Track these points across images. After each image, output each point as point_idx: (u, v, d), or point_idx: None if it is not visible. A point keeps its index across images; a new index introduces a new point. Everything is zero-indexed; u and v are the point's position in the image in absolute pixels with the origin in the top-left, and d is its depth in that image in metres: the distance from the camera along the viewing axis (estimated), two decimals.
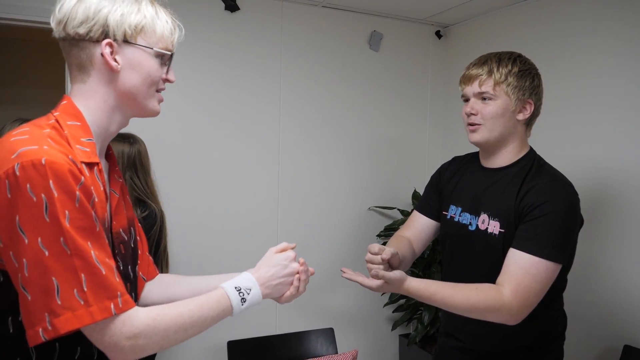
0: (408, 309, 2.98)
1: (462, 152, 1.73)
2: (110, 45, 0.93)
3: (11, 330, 0.86)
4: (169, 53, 1.00)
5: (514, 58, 1.44)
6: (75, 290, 0.79)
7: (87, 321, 0.80)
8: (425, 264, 2.89)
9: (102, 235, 0.86)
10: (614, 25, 2.18)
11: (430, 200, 1.67)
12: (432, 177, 1.72)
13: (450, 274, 1.56)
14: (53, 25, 0.95)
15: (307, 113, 2.91)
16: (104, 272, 0.82)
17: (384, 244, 3.07)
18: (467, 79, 1.48)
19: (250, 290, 1.01)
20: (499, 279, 1.33)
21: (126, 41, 0.94)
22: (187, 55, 2.59)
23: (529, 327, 1.42)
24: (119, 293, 0.83)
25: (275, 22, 2.79)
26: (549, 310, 1.47)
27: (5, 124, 2.40)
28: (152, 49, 0.97)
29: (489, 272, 1.38)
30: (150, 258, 1.23)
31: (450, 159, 1.74)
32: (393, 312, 3.09)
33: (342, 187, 3.03)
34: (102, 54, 0.93)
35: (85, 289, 0.79)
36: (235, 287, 1.00)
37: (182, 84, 2.59)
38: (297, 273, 1.11)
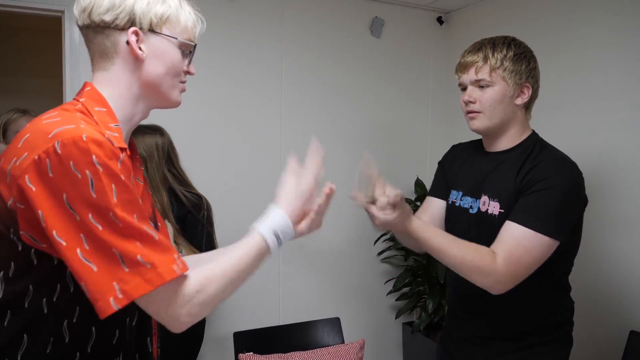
0: (412, 297, 2.98)
1: (464, 139, 1.72)
2: (137, 33, 0.93)
3: (45, 311, 0.87)
4: (193, 44, 1.01)
5: (508, 42, 1.43)
6: (138, 256, 0.80)
7: (158, 282, 0.81)
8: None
9: (144, 209, 0.87)
10: (618, 12, 2.15)
11: (440, 184, 1.68)
12: (438, 164, 1.72)
13: None
14: (76, 12, 0.95)
15: (308, 101, 2.88)
16: (157, 238, 0.83)
17: (388, 232, 3.05)
18: (463, 67, 1.47)
19: (285, 230, 1.01)
20: (493, 247, 1.32)
21: (152, 30, 0.95)
22: None
23: (537, 312, 1.43)
24: (175, 255, 0.85)
25: (275, 9, 2.76)
26: (556, 294, 1.47)
27: (1, 114, 2.39)
28: (176, 39, 0.97)
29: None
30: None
31: (452, 144, 1.74)
32: (396, 300, 3.09)
33: (344, 177, 3.00)
34: (127, 42, 0.93)
35: (147, 253, 0.81)
36: (274, 232, 0.99)
37: None
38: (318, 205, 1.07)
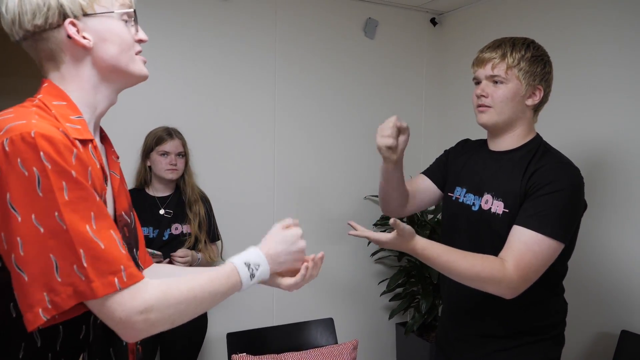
0: (405, 297, 2.98)
1: (457, 139, 1.74)
2: (73, 24, 0.88)
3: (14, 315, 0.83)
4: (131, 10, 0.95)
5: (528, 44, 1.46)
6: (75, 266, 0.76)
7: (90, 296, 0.76)
8: None
9: (102, 206, 0.82)
10: (610, 13, 2.17)
11: (438, 168, 1.71)
12: (444, 152, 1.74)
13: None
14: (7, 29, 0.90)
15: (302, 101, 2.88)
16: (102, 247, 0.78)
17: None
18: (480, 62, 1.49)
19: (259, 266, 0.99)
20: (502, 254, 1.34)
21: (86, 14, 0.89)
22: (180, 44, 2.54)
23: (532, 312, 1.45)
24: (122, 267, 0.79)
25: (269, 9, 2.75)
26: (551, 295, 1.49)
27: None
28: (113, 12, 0.92)
29: (489, 252, 1.38)
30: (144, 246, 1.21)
31: (446, 146, 1.76)
32: (390, 300, 3.09)
33: (337, 176, 3.02)
34: (68, 36, 0.88)
35: (85, 265, 0.76)
36: (245, 263, 0.97)
37: (175, 73, 2.56)
38: (305, 260, 1.08)
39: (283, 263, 1.05)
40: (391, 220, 1.26)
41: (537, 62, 1.44)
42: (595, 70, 2.24)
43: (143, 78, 0.98)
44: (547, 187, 1.35)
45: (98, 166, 0.88)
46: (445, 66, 3.18)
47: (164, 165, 2.27)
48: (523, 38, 1.48)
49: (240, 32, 2.69)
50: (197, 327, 2.36)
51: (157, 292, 0.83)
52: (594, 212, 2.16)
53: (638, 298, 2.08)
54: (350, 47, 2.98)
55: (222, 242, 2.46)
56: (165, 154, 2.27)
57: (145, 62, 0.98)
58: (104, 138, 1.03)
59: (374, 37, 3.02)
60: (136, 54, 0.96)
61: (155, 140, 2.28)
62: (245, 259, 0.98)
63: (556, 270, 1.42)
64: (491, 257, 1.33)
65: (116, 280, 0.78)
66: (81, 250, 0.76)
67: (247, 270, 0.97)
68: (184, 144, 2.34)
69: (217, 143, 2.68)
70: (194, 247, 2.25)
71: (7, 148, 0.75)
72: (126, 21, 0.94)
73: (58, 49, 0.90)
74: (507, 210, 1.41)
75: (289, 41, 2.81)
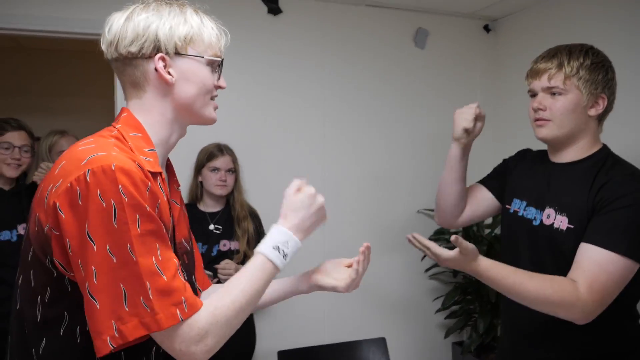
0: (461, 315, 2.87)
1: (514, 151, 1.66)
2: (163, 59, 0.94)
3: (78, 340, 0.87)
4: (219, 59, 1.01)
5: (586, 50, 1.37)
6: (141, 298, 0.79)
7: (155, 328, 0.80)
8: None
9: (167, 238, 0.86)
10: None
11: (496, 178, 1.65)
12: (503, 161, 1.68)
13: None
14: (104, 47, 0.96)
15: (351, 114, 2.86)
16: (165, 279, 0.81)
17: None
18: (535, 73, 1.42)
19: (287, 243, 0.99)
20: (572, 274, 1.25)
21: (177, 53, 0.95)
22: (230, 59, 2.55)
23: (600, 338, 1.34)
24: (183, 298, 0.83)
25: (318, 22, 2.76)
26: (621, 321, 1.37)
27: (42, 138, 2.51)
28: (203, 57, 0.98)
29: (553, 270, 1.30)
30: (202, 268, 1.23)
31: (500, 160, 1.69)
32: (445, 318, 2.98)
33: (389, 190, 2.96)
34: (155, 69, 0.94)
35: (151, 297, 0.79)
36: (273, 247, 0.97)
37: (227, 89, 2.58)
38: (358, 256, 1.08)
39: (310, 227, 1.04)
40: (452, 238, 1.18)
41: (597, 69, 1.35)
42: None
43: (211, 122, 1.04)
44: (619, 202, 1.26)
45: (165, 198, 0.92)
46: (500, 74, 3.07)
47: (214, 181, 2.29)
48: (580, 44, 1.39)
49: (290, 47, 2.71)
50: (245, 342, 2.35)
51: (208, 315, 0.85)
52: None
53: None
54: (400, 58, 2.93)
55: None
56: (215, 169, 2.30)
57: (216, 108, 1.05)
58: (168, 167, 1.08)
59: (424, 47, 2.96)
60: (212, 98, 1.02)
61: (207, 156, 2.32)
62: (272, 243, 0.97)
63: (629, 292, 1.31)
64: (561, 279, 1.25)
65: (178, 311, 0.82)
66: (147, 283, 0.80)
67: (277, 253, 0.97)
68: (234, 160, 2.37)
69: (267, 159, 2.70)
70: (242, 264, 2.25)
71: (88, 179, 0.79)
72: (212, 67, 1.00)
73: (143, 78, 0.95)
74: (571, 226, 1.32)
75: (338, 54, 2.81)
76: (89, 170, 0.80)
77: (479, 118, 1.56)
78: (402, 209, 2.97)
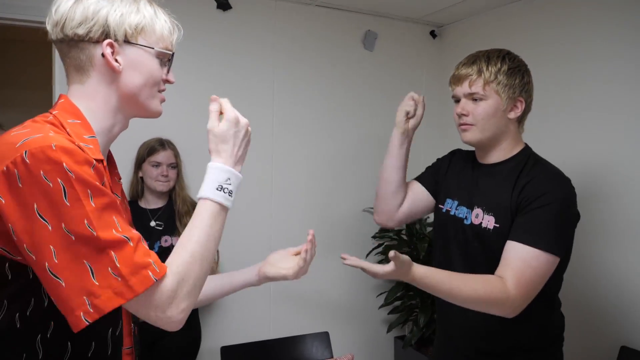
0: (403, 310, 2.95)
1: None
2: (112, 45, 0.92)
3: (18, 326, 0.85)
4: (170, 53, 1.00)
5: (503, 56, 1.43)
6: (109, 269, 0.78)
7: (130, 295, 0.79)
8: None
9: (121, 210, 0.85)
10: (611, 27, 2.17)
11: (431, 175, 1.69)
12: (436, 160, 1.73)
13: (443, 269, 1.54)
14: (49, 27, 0.93)
15: (300, 113, 2.88)
16: (131, 244, 0.81)
17: (379, 246, 3.05)
18: (456, 80, 1.47)
19: (229, 179, 0.97)
20: (499, 271, 1.31)
21: (127, 41, 0.93)
22: (177, 54, 2.54)
23: (527, 328, 1.42)
24: (151, 261, 0.82)
25: (267, 21, 2.76)
26: (546, 311, 1.46)
27: None
28: (153, 48, 0.96)
29: (483, 267, 1.36)
30: None
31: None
32: (388, 314, 3.06)
33: (335, 189, 3.00)
34: (103, 55, 0.92)
35: (119, 265, 0.78)
36: (217, 188, 0.95)
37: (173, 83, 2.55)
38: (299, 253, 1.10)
39: (243, 154, 1.02)
40: (391, 253, 1.18)
41: (514, 74, 1.41)
42: (593, 84, 2.23)
43: (156, 115, 1.03)
44: (539, 200, 1.32)
45: (107, 184, 0.90)
46: (445, 79, 3.10)
47: (155, 176, 2.25)
48: (498, 50, 1.45)
49: (237, 44, 2.70)
50: (190, 339, 2.33)
51: (173, 275, 0.85)
52: (591, 225, 2.15)
53: (637, 313, 2.04)
54: (349, 59, 2.98)
55: (218, 253, 2.44)
56: (157, 164, 2.26)
57: (163, 101, 1.03)
58: (109, 159, 1.06)
59: (373, 50, 3.02)
60: (159, 91, 1.01)
61: (148, 150, 2.27)
62: (214, 184, 0.95)
63: (551, 284, 1.39)
64: (492, 278, 1.30)
65: (150, 273, 0.81)
66: (112, 253, 0.78)
67: (222, 193, 0.95)
68: (176, 155, 2.33)
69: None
70: None
71: (27, 160, 0.77)
72: (161, 60, 0.98)
73: (88, 62, 0.92)
74: (498, 225, 1.39)
75: (287, 53, 2.81)
76: (26, 151, 0.77)
77: (419, 104, 1.63)
78: (348, 208, 3.02)
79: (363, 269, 1.25)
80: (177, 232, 2.26)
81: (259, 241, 2.76)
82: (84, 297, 0.77)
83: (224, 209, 0.95)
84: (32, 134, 0.80)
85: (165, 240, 2.24)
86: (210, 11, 2.62)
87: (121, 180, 1.09)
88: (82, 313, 0.77)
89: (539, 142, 1.65)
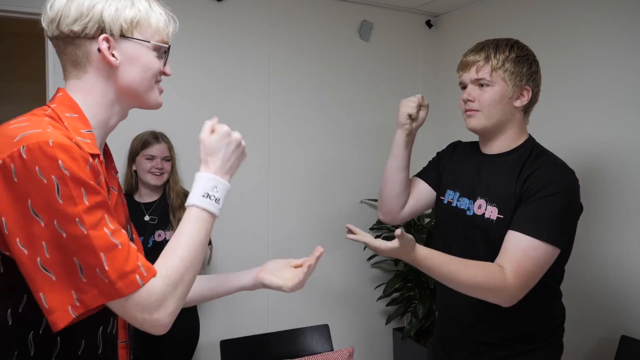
0: (402, 302, 2.95)
1: (453, 139, 1.72)
2: (107, 40, 0.92)
3: (10, 323, 0.85)
4: (166, 45, 1.00)
5: (512, 44, 1.43)
6: (97, 270, 0.78)
7: (116, 296, 0.80)
8: None
9: (112, 209, 0.86)
10: (607, 16, 2.16)
11: (432, 170, 1.68)
12: (437, 154, 1.72)
13: None
14: (44, 24, 0.93)
15: (296, 104, 2.86)
16: (120, 247, 0.81)
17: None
18: (464, 66, 1.47)
19: (216, 187, 0.98)
20: (499, 260, 1.31)
21: (123, 36, 0.93)
22: (172, 46, 2.52)
23: (528, 319, 1.41)
24: (139, 264, 0.83)
25: (263, 11, 2.73)
26: (548, 301, 1.46)
27: None
28: (149, 42, 0.96)
29: (484, 258, 1.35)
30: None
31: (442, 146, 1.73)
32: (387, 305, 3.06)
33: (333, 180, 2.99)
34: (99, 50, 0.92)
35: (107, 268, 0.79)
36: (203, 195, 0.95)
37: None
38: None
39: (232, 166, 1.03)
40: (397, 231, 1.17)
41: (522, 62, 1.41)
42: (591, 73, 2.22)
43: (156, 106, 1.03)
44: (542, 191, 1.32)
45: (103, 180, 0.90)
46: (441, 68, 3.16)
47: (149, 169, 2.23)
48: (507, 39, 1.45)
49: (233, 34, 2.67)
50: (189, 334, 2.32)
51: (162, 279, 0.85)
52: (592, 216, 2.14)
53: (638, 302, 2.05)
54: (345, 49, 2.96)
55: (211, 247, 2.42)
56: (151, 157, 2.23)
57: (162, 92, 1.03)
58: (106, 152, 1.05)
59: (369, 40, 3.00)
60: (156, 82, 1.01)
61: (142, 143, 2.25)
62: (201, 192, 0.96)
63: (553, 275, 1.40)
64: (491, 266, 1.30)
65: (137, 277, 0.81)
66: (102, 254, 0.79)
67: (209, 200, 0.95)
68: (170, 148, 2.30)
69: None
70: None
71: (24, 155, 0.77)
72: (158, 53, 0.99)
73: (85, 58, 0.93)
74: (501, 216, 1.38)
75: (283, 43, 2.79)
76: (23, 147, 0.77)
77: (422, 107, 1.61)
78: (346, 199, 3.01)
79: (366, 244, 1.25)
80: (170, 227, 2.23)
81: (256, 232, 2.74)
82: (72, 291, 0.78)
83: (211, 216, 0.96)
84: (30, 129, 0.80)
85: (159, 235, 2.22)
86: (204, 1, 2.59)
87: (118, 174, 1.08)
88: (69, 307, 0.78)
89: (540, 130, 1.64)
